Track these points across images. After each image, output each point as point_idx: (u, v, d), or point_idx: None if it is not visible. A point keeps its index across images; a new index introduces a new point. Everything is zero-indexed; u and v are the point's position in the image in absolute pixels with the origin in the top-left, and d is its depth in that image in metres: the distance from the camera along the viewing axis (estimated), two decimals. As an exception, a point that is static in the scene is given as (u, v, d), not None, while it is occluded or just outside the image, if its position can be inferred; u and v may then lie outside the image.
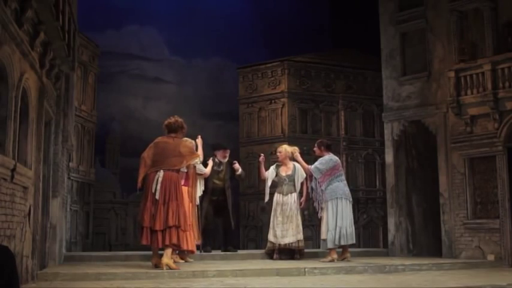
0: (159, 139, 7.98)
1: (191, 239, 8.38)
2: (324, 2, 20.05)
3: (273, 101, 15.66)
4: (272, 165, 10.28)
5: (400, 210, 11.69)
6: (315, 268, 8.03)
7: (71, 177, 12.62)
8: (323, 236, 9.40)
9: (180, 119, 8.03)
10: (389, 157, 11.89)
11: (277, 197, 9.85)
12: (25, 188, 6.20)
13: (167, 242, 7.49)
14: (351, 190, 9.83)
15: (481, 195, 10.64)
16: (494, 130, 10.34)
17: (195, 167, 8.48)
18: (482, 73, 10.46)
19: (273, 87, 15.72)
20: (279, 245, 9.61)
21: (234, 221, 10.60)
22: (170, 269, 7.36)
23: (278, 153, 10.08)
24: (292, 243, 9.58)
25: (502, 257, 10.04)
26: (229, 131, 18.08)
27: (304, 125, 15.49)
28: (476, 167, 10.72)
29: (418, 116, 11.56)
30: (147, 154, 7.85)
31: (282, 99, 15.48)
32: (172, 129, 7.97)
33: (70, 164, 11.90)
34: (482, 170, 10.61)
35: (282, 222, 9.63)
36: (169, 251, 7.57)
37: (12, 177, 5.55)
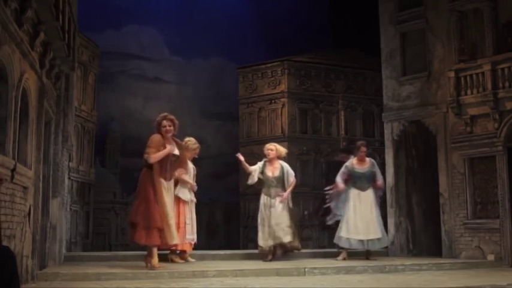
0: None
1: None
2: (323, 2, 20.05)
3: (273, 101, 15.66)
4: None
5: (400, 210, 11.67)
6: (315, 268, 8.03)
7: (71, 177, 12.62)
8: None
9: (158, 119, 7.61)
10: (389, 157, 11.87)
11: (264, 199, 9.23)
12: (25, 188, 6.20)
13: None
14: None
15: (481, 195, 10.63)
16: (494, 130, 10.33)
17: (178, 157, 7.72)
18: (482, 73, 10.45)
19: (273, 87, 15.72)
20: (271, 246, 9.04)
21: None
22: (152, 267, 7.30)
23: (269, 151, 9.28)
24: (281, 239, 9.02)
25: (502, 257, 10.03)
26: (229, 131, 18.10)
27: (304, 125, 15.48)
28: (476, 167, 10.71)
29: (418, 116, 11.55)
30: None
31: (282, 99, 15.48)
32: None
33: (70, 164, 11.90)
34: (482, 170, 10.60)
35: (271, 225, 9.08)
36: (150, 249, 7.49)
37: (12, 177, 5.55)
